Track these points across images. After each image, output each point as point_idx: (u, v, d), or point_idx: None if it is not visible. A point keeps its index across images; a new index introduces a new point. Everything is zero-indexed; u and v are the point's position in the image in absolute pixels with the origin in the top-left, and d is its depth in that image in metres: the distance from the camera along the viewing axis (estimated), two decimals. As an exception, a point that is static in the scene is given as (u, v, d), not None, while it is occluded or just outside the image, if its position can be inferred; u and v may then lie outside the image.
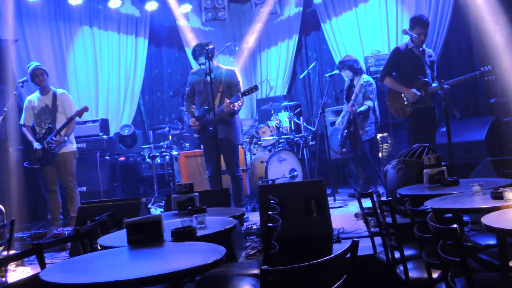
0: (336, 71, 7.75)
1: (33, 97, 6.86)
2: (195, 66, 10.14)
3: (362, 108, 7.48)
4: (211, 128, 6.38)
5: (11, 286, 2.25)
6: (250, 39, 10.11)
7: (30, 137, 6.75)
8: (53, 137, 6.55)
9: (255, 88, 6.52)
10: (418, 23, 6.55)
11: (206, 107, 6.44)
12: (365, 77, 7.63)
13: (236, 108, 6.43)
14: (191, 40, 10.21)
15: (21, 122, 6.86)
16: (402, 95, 6.61)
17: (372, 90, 7.58)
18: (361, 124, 7.51)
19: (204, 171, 6.95)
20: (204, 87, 6.50)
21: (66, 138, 6.66)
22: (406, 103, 6.58)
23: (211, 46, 6.33)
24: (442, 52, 8.12)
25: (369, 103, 7.51)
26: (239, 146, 6.89)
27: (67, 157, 6.73)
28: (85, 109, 6.67)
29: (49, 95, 6.79)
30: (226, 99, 6.32)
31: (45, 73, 6.75)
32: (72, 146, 6.83)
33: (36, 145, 6.61)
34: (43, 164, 6.67)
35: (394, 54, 6.78)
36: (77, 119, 6.93)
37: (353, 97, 7.55)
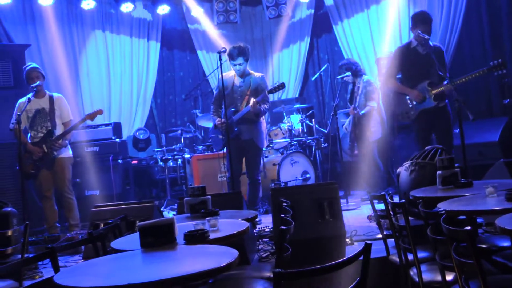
0: (348, 73, 7.70)
1: (26, 100, 6.33)
2: (206, 69, 10.25)
3: (364, 111, 7.47)
4: (236, 129, 6.41)
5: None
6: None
7: (22, 141, 6.33)
8: (57, 140, 6.34)
9: (282, 86, 6.48)
10: (420, 20, 6.18)
11: (233, 109, 6.47)
12: (364, 78, 7.62)
13: (262, 109, 6.44)
14: (202, 43, 10.26)
15: (11, 126, 6.15)
16: (407, 97, 6.24)
17: (372, 89, 7.54)
18: (367, 125, 7.47)
19: (220, 174, 6.96)
20: (231, 91, 6.53)
21: (66, 141, 6.46)
22: (410, 106, 6.21)
23: (223, 49, 6.39)
24: (455, 52, 8.06)
25: (372, 103, 7.48)
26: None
27: (65, 162, 6.49)
28: (99, 112, 6.51)
29: (45, 98, 6.50)
30: (252, 98, 6.34)
31: (41, 76, 6.45)
32: (69, 151, 6.58)
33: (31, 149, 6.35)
34: (41, 168, 6.38)
35: (396, 55, 6.43)
36: (89, 122, 6.86)
37: (355, 100, 7.54)
